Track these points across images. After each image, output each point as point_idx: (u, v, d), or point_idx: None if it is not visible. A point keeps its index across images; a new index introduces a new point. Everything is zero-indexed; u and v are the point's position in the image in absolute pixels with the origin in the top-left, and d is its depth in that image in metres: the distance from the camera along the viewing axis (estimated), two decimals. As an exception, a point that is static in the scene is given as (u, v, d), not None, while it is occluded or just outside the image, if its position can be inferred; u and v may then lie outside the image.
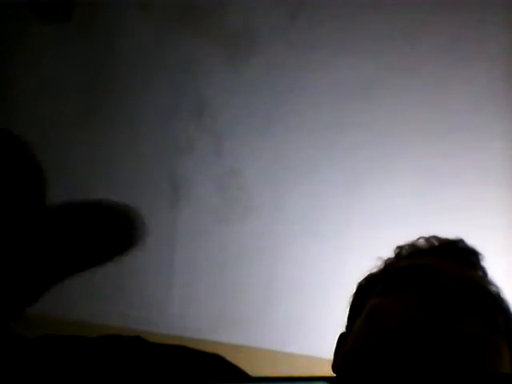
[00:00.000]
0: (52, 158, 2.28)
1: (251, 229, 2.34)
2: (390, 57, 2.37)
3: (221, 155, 2.36)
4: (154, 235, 2.31)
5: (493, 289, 0.91)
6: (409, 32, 2.37)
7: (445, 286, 0.85)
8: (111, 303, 2.21)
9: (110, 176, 2.34)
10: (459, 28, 2.37)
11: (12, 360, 0.96)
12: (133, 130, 2.37)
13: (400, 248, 0.98)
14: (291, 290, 2.30)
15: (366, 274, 0.98)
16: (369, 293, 0.92)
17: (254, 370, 1.00)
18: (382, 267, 0.97)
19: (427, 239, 0.97)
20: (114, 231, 1.02)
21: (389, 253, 0.99)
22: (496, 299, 0.89)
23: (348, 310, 0.97)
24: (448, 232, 0.99)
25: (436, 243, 0.96)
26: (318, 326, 2.23)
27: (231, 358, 1.00)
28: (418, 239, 0.97)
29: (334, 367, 0.93)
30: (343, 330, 0.97)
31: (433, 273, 0.88)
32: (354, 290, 0.97)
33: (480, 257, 0.96)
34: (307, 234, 2.33)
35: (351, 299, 0.97)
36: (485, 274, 0.95)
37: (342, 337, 0.96)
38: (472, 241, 0.98)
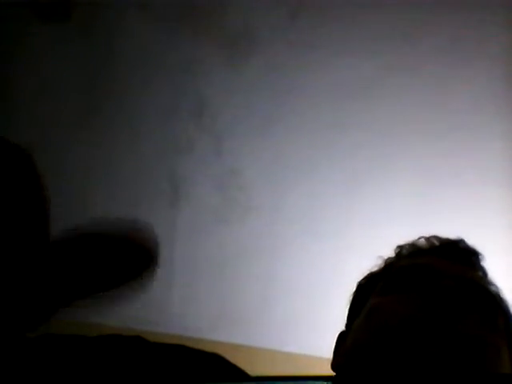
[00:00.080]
0: (52, 158, 2.29)
1: (251, 229, 2.34)
2: (390, 57, 2.37)
3: (220, 155, 2.37)
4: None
5: (493, 289, 0.91)
6: (409, 32, 2.37)
7: (445, 285, 0.85)
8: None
9: (109, 176, 2.34)
10: (459, 28, 2.37)
11: (13, 359, 0.96)
12: (133, 129, 2.37)
13: (400, 247, 0.98)
14: (290, 289, 2.30)
15: (366, 274, 0.97)
16: (369, 292, 0.92)
17: (254, 369, 1.00)
18: (382, 266, 0.96)
19: (428, 239, 0.97)
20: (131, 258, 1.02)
21: (389, 252, 0.99)
22: (496, 299, 0.89)
23: (348, 309, 0.97)
24: (448, 232, 0.99)
25: (437, 243, 0.96)
26: (317, 326, 2.23)
27: (231, 357, 1.00)
28: (419, 239, 0.97)
29: (334, 366, 0.93)
30: (342, 329, 0.97)
31: (433, 273, 0.88)
32: (354, 289, 0.97)
33: (480, 257, 0.96)
34: (307, 233, 2.33)
35: (351, 298, 0.97)
36: (485, 274, 0.95)
37: (341, 336, 0.96)
38: (472, 241, 0.98)
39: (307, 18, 2.40)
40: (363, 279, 0.97)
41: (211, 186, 2.35)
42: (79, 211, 2.26)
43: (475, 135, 2.35)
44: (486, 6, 2.38)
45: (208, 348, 1.01)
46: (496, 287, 0.92)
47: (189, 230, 2.34)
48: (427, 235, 0.98)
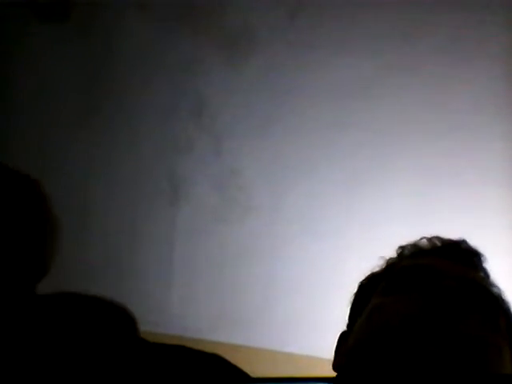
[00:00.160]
0: (52, 158, 2.29)
1: (250, 228, 2.34)
2: (390, 56, 2.37)
3: (220, 155, 2.36)
4: (154, 235, 2.31)
5: (494, 290, 0.91)
6: (409, 32, 2.37)
7: (447, 286, 0.85)
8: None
9: (109, 176, 2.34)
10: (459, 28, 2.36)
11: (22, 317, 0.98)
12: (132, 129, 2.37)
13: (402, 248, 0.97)
14: (290, 289, 2.30)
15: (367, 274, 0.97)
16: (370, 292, 0.92)
17: (254, 369, 1.00)
18: (384, 267, 0.96)
19: (430, 239, 0.97)
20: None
21: (388, 252, 0.99)
22: (498, 300, 0.89)
23: (349, 309, 0.97)
24: (448, 232, 0.99)
25: (438, 244, 0.96)
26: (317, 326, 2.23)
27: (231, 357, 1.00)
28: (421, 239, 0.97)
29: (335, 366, 0.93)
30: (343, 329, 0.97)
31: (435, 273, 0.88)
32: (356, 290, 0.97)
33: (482, 258, 0.96)
34: (306, 233, 2.33)
35: (352, 298, 0.97)
36: (487, 275, 0.94)
37: (342, 336, 0.96)
38: (472, 241, 0.98)
39: (306, 18, 2.40)
40: (365, 279, 0.97)
41: (211, 185, 2.35)
42: (79, 211, 2.26)
43: (475, 135, 2.35)
44: (486, 5, 2.38)
45: (208, 348, 1.01)
46: (498, 288, 0.92)
47: (188, 229, 2.34)
48: (429, 236, 0.97)
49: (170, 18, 2.39)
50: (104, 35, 2.39)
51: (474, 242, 0.98)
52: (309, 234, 2.33)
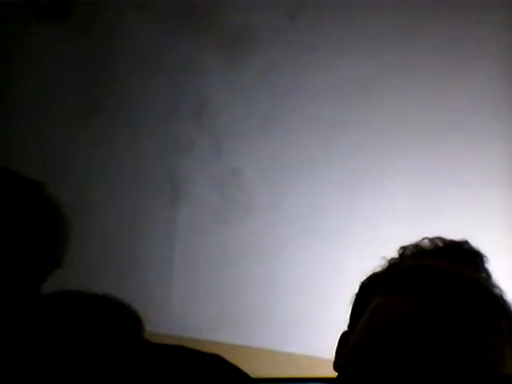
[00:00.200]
0: (52, 158, 2.29)
1: (251, 228, 2.34)
2: (390, 56, 2.37)
3: (220, 155, 2.36)
4: (154, 234, 2.31)
5: (496, 291, 0.91)
6: (409, 32, 2.37)
7: (448, 286, 0.85)
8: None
9: (109, 176, 2.34)
10: (459, 28, 2.37)
11: (25, 316, 0.98)
12: (132, 129, 2.37)
13: (404, 248, 0.97)
14: (291, 289, 2.30)
15: (369, 274, 0.97)
16: (372, 292, 0.92)
17: (254, 370, 1.00)
18: (385, 267, 0.96)
19: (432, 240, 0.97)
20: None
21: (389, 252, 0.99)
22: (499, 301, 0.89)
23: (351, 309, 0.97)
24: (448, 232, 0.99)
25: (440, 244, 0.96)
26: (317, 326, 2.23)
27: (231, 357, 1.00)
28: (423, 240, 0.97)
29: (336, 366, 0.93)
30: (344, 329, 0.97)
31: (437, 273, 0.88)
32: (357, 290, 0.97)
33: (484, 259, 0.96)
34: (307, 233, 2.33)
35: (354, 298, 0.97)
36: (489, 276, 0.94)
37: (344, 336, 0.96)
38: (472, 241, 0.98)
39: (307, 18, 2.40)
40: (366, 279, 0.97)
41: (211, 185, 2.35)
42: (79, 211, 2.26)
43: (475, 135, 2.35)
44: (486, 6, 2.38)
45: (208, 349, 1.01)
46: (499, 289, 0.92)
47: (188, 229, 2.34)
48: (431, 236, 0.97)
49: (171, 18, 2.39)
50: (104, 35, 2.39)
51: (474, 242, 0.98)
52: (309, 234, 2.33)
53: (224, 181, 2.36)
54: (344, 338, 0.95)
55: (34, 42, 2.37)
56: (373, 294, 0.91)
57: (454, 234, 0.99)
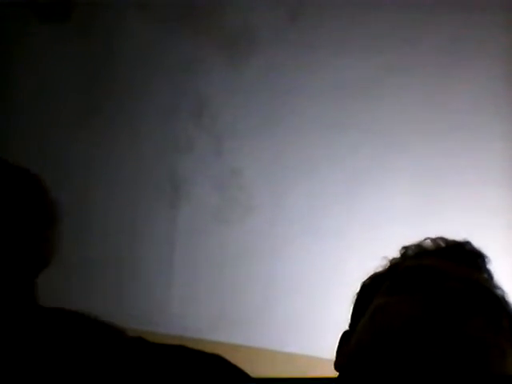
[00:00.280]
0: (52, 158, 2.29)
1: (251, 228, 2.34)
2: (390, 57, 2.37)
3: (220, 155, 2.36)
4: (154, 235, 2.31)
5: (498, 292, 0.91)
6: (409, 32, 2.37)
7: (450, 287, 0.85)
8: (111, 303, 2.21)
9: (109, 176, 2.34)
10: (459, 28, 2.37)
11: (23, 328, 0.98)
12: (133, 129, 2.37)
13: (406, 248, 0.97)
14: (291, 289, 2.30)
15: (370, 274, 0.97)
16: (373, 292, 0.92)
17: (254, 370, 1.00)
18: (387, 267, 0.96)
19: (433, 240, 0.96)
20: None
21: (388, 252, 0.99)
22: (501, 302, 0.89)
23: (352, 308, 0.96)
24: (448, 232, 0.99)
25: (442, 244, 0.96)
26: (317, 326, 2.23)
27: (231, 357, 1.00)
28: (424, 240, 0.97)
29: (337, 366, 0.93)
30: (344, 329, 0.97)
31: (438, 274, 0.88)
32: (359, 289, 0.97)
33: (486, 259, 0.95)
34: (307, 233, 2.33)
35: (355, 298, 0.97)
36: (490, 276, 0.94)
37: (345, 335, 0.95)
38: (472, 241, 0.97)
39: (307, 18, 2.40)
40: (368, 279, 0.97)
41: (211, 185, 2.35)
42: (79, 211, 2.26)
43: (475, 135, 2.35)
44: (486, 6, 2.38)
45: (208, 348, 1.01)
46: (501, 290, 0.92)
47: (189, 229, 2.34)
48: (433, 236, 0.97)
49: (171, 18, 2.39)
50: (104, 35, 2.39)
51: (474, 242, 0.98)
52: (309, 234, 2.33)
53: (224, 181, 2.36)
54: (345, 338, 0.95)
55: (34, 42, 2.37)
56: (374, 294, 0.91)
57: (453, 233, 0.98)
